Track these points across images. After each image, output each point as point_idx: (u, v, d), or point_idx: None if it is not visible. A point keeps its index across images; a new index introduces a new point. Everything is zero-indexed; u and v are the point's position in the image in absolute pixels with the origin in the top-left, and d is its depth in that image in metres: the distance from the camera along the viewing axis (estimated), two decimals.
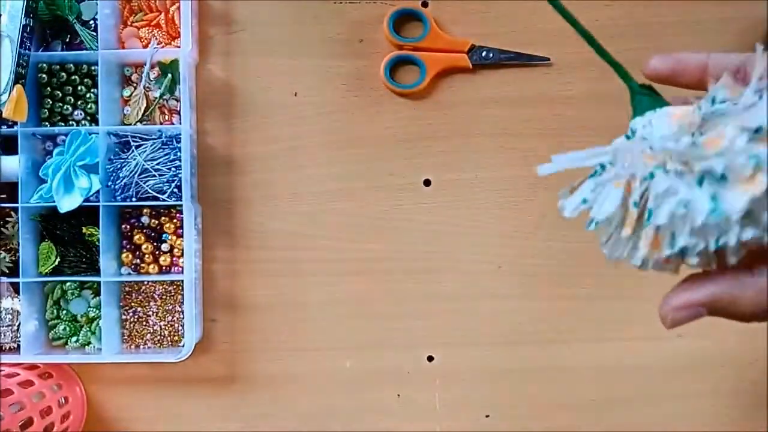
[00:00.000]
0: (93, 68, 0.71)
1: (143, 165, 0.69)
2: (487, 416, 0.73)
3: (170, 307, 0.72)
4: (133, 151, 0.70)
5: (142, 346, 0.73)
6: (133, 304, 0.73)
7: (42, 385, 0.68)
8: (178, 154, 0.69)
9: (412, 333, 0.72)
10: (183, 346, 0.69)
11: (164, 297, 0.72)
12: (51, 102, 0.71)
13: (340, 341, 0.73)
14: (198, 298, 0.71)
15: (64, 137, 0.70)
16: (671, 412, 0.72)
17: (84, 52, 0.71)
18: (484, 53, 0.72)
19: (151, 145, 0.70)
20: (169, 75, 0.71)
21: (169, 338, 0.73)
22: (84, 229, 0.71)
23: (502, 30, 0.72)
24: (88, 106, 0.72)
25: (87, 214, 0.70)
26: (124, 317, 0.73)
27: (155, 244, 0.72)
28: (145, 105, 0.72)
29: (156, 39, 0.72)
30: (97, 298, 0.71)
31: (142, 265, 0.72)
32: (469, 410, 0.73)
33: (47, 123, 0.71)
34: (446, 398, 0.73)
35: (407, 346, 0.73)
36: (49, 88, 0.71)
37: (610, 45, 0.71)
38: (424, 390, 0.73)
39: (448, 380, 0.73)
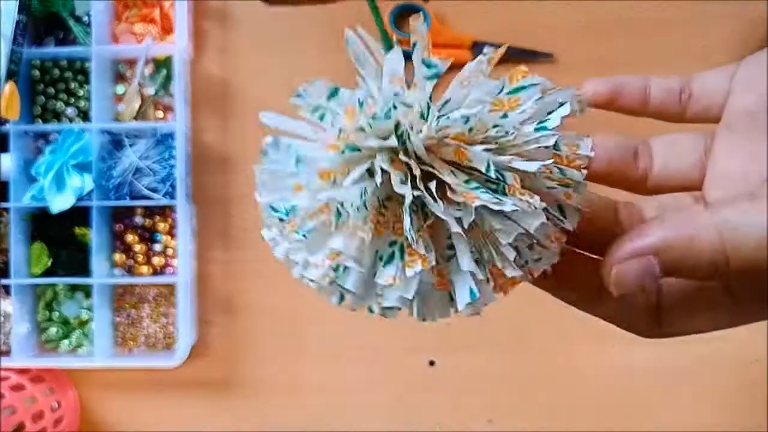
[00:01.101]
0: (86, 65, 0.70)
1: (137, 163, 0.68)
2: (490, 420, 0.71)
3: (164, 310, 0.71)
4: (126, 149, 0.68)
5: (135, 349, 0.71)
6: (126, 306, 0.71)
7: (34, 389, 0.67)
8: (173, 152, 0.68)
9: (413, 337, 0.71)
10: (177, 349, 0.68)
11: (158, 299, 0.71)
12: (44, 99, 0.70)
13: (340, 345, 0.71)
14: (192, 301, 0.69)
15: (56, 135, 0.69)
16: (672, 412, 0.71)
17: (77, 48, 0.70)
18: (486, 49, 0.70)
19: (144, 143, 0.68)
20: (164, 71, 0.70)
21: (163, 341, 0.71)
22: (77, 229, 0.69)
23: (504, 26, 0.71)
24: (82, 103, 0.71)
25: (79, 213, 0.69)
26: (117, 320, 0.71)
27: (148, 244, 0.71)
28: (139, 102, 0.70)
29: (150, 35, 0.71)
30: (90, 300, 0.70)
31: (135, 265, 0.71)
32: (471, 415, 0.72)
33: (39, 120, 0.70)
34: (448, 403, 0.71)
35: (409, 350, 0.71)
36: (41, 85, 0.70)
37: (610, 42, 0.71)
38: (426, 394, 0.72)
39: (450, 384, 0.71)
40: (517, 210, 0.22)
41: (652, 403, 0.72)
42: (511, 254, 0.23)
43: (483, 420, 0.71)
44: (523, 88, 0.24)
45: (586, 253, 0.28)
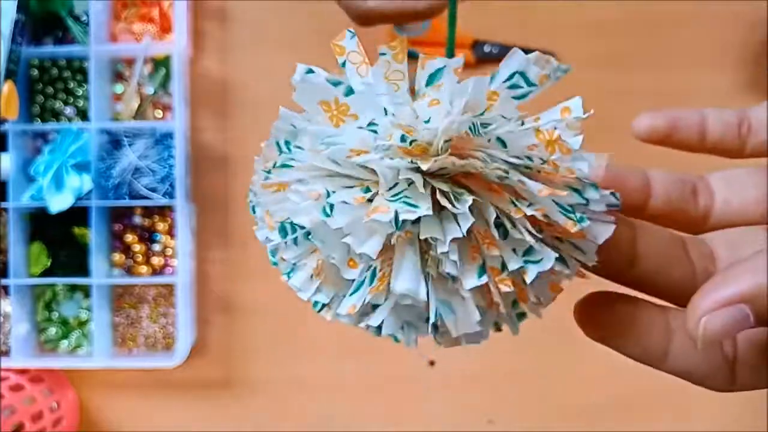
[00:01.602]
0: (85, 64, 0.70)
1: (136, 163, 0.67)
2: (490, 421, 0.71)
3: (164, 310, 0.71)
4: (125, 148, 0.68)
5: (135, 350, 0.71)
6: (125, 306, 0.71)
7: (33, 390, 0.66)
8: (172, 151, 0.67)
9: None
10: (177, 350, 0.68)
11: (157, 299, 0.71)
12: (43, 98, 0.70)
13: (340, 344, 0.71)
14: (192, 301, 0.69)
15: (54, 134, 0.69)
16: (672, 412, 0.71)
17: (76, 47, 0.69)
18: (486, 48, 0.70)
19: (143, 143, 0.68)
20: (163, 71, 0.70)
21: (162, 341, 0.71)
22: (75, 230, 0.69)
23: (505, 24, 0.71)
24: (80, 103, 0.70)
25: (78, 213, 0.69)
26: (116, 320, 0.71)
27: (148, 244, 0.71)
28: (137, 101, 0.70)
29: (149, 34, 0.70)
30: (89, 300, 0.70)
31: (135, 265, 0.70)
32: (471, 414, 0.71)
33: (38, 119, 0.70)
34: (448, 402, 0.71)
35: (409, 349, 0.71)
36: (40, 84, 0.70)
37: (614, 41, 0.71)
38: (426, 394, 0.71)
39: (450, 384, 0.71)
40: (429, 215, 0.20)
41: (652, 402, 0.71)
42: (452, 261, 0.21)
43: (483, 420, 0.71)
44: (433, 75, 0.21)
45: (654, 299, 0.25)
